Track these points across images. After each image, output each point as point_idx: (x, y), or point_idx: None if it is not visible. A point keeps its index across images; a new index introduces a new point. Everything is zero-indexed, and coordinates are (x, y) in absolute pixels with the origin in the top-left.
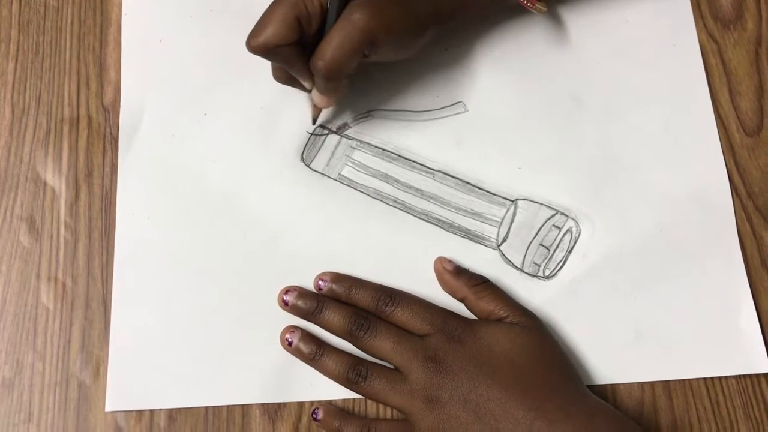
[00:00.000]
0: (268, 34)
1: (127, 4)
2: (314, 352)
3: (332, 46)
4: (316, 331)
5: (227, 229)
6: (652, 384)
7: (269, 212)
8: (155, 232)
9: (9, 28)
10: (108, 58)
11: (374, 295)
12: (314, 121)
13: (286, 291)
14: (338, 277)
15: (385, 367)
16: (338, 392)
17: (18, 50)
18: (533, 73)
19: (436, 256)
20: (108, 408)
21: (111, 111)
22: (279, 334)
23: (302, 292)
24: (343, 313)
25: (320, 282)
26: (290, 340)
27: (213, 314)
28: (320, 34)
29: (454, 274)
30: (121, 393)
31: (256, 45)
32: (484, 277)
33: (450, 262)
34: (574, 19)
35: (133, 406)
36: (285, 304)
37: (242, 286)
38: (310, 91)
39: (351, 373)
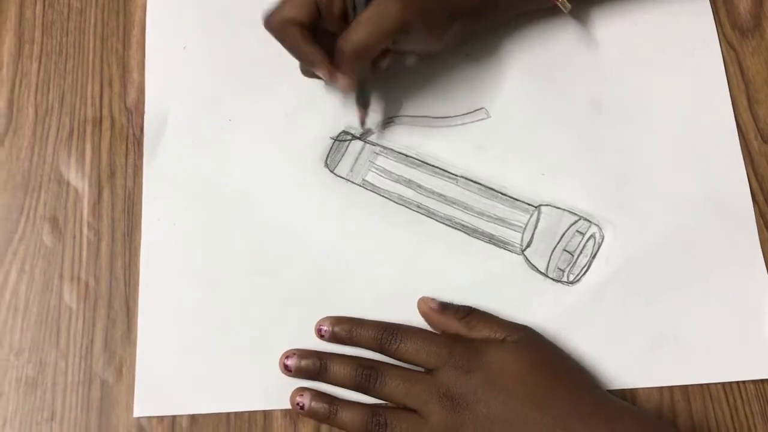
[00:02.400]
0: (284, 12)
1: (151, 13)
2: (329, 411)
3: (364, 27)
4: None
5: (252, 234)
6: (671, 389)
7: (293, 217)
8: (181, 237)
9: (33, 30)
10: (131, 60)
11: (376, 334)
12: (362, 123)
13: (287, 356)
14: (338, 320)
15: (404, 410)
16: (362, 396)
17: (42, 51)
18: (554, 79)
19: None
20: (136, 414)
21: (134, 112)
22: (301, 341)
23: (303, 354)
24: (348, 368)
25: (321, 328)
26: (302, 403)
27: (238, 319)
28: (343, 21)
29: (440, 312)
30: (149, 399)
31: (271, 21)
32: (469, 307)
33: (433, 300)
34: (594, 25)
35: (162, 411)
36: (288, 370)
37: (266, 291)
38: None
39: (371, 424)
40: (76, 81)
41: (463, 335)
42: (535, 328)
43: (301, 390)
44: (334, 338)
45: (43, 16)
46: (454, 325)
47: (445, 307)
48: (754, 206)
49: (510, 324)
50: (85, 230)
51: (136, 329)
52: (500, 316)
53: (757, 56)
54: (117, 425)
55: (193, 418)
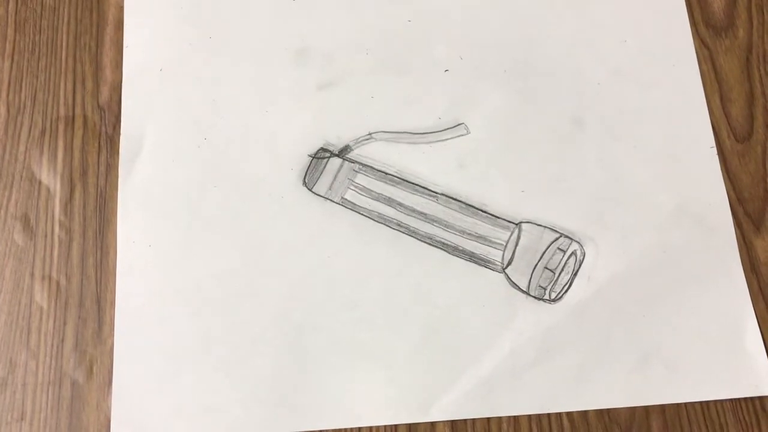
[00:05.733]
0: None
1: (128, 36)
2: None
3: None
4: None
5: (230, 256)
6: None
7: (271, 237)
8: (157, 260)
9: (5, 27)
10: (104, 58)
11: None
12: None
13: None
14: None
15: None
16: (344, 422)
17: (14, 49)
18: (535, 95)
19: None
20: None
21: (106, 110)
22: (282, 362)
23: None
24: None
25: None
26: None
27: (215, 343)
28: None
29: None
30: (126, 425)
31: None
32: None
33: None
34: (574, 41)
35: None
36: None
37: (245, 314)
38: None
39: None
40: (48, 79)
41: None
42: (517, 348)
43: None
44: None
45: (16, 13)
46: None
47: None
48: (731, 212)
49: None
50: (56, 229)
51: (107, 328)
52: (482, 335)
53: (731, 55)
54: (87, 425)
55: None
